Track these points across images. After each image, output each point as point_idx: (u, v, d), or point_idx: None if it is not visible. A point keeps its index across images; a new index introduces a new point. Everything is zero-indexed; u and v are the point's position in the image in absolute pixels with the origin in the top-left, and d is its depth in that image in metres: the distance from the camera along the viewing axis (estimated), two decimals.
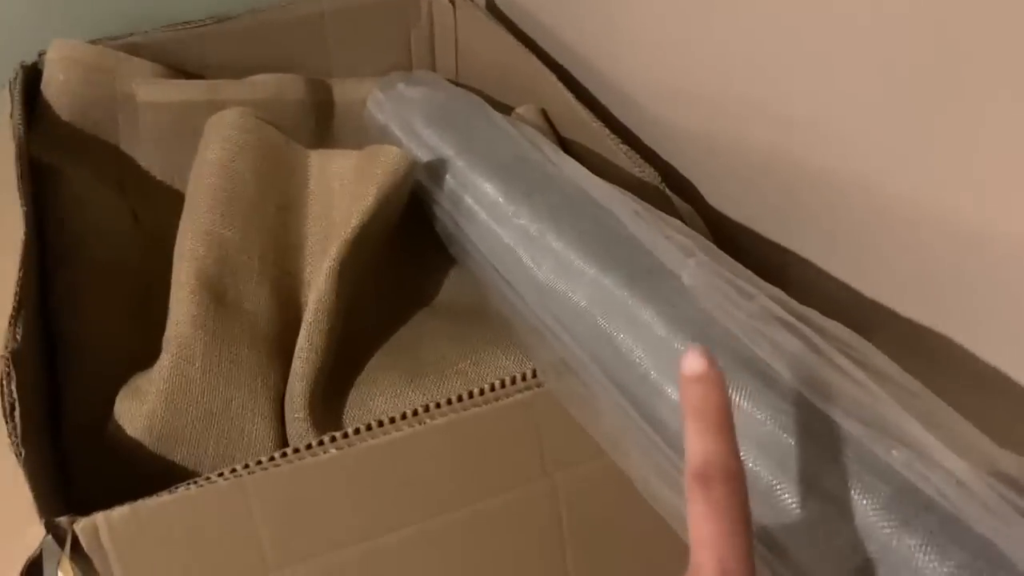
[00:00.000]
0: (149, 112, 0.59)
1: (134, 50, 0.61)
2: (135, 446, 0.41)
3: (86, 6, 0.65)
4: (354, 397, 0.44)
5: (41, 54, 0.59)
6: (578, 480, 0.40)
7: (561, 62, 0.65)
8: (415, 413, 0.37)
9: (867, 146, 0.41)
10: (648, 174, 0.51)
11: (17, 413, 0.36)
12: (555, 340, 0.36)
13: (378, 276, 0.50)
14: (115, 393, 0.43)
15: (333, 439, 0.36)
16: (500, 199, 0.44)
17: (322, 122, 0.65)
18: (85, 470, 0.42)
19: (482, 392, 0.38)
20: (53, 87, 0.57)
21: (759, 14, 0.46)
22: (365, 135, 0.62)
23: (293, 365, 0.43)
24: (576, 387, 0.35)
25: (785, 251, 0.49)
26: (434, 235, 0.52)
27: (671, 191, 0.50)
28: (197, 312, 0.43)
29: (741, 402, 0.27)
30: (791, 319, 0.28)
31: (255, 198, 0.47)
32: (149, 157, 0.60)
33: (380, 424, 0.37)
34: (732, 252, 0.50)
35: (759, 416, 0.26)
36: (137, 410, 0.41)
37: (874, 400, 0.25)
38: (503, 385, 0.38)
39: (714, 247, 0.35)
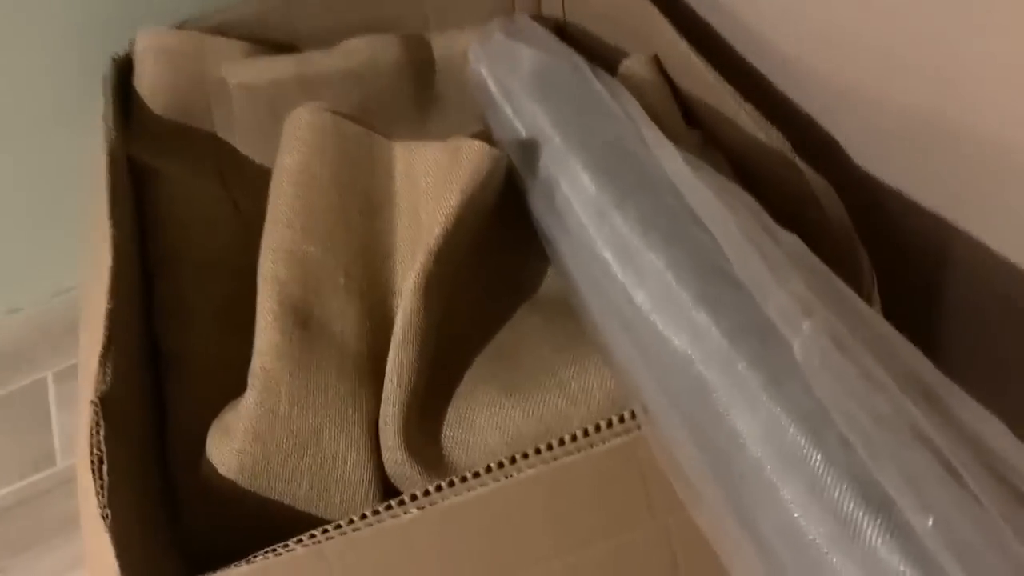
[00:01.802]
0: (241, 95, 0.57)
1: (222, 29, 0.58)
2: (229, 484, 0.40)
3: None
4: (451, 415, 0.42)
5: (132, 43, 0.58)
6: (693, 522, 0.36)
7: None
8: (500, 465, 0.34)
9: None
10: (774, 138, 0.44)
11: (105, 468, 0.36)
12: (640, 378, 0.32)
13: (472, 271, 0.46)
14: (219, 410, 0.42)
15: (414, 497, 0.34)
16: (594, 197, 0.39)
17: (423, 82, 0.61)
18: (190, 496, 0.42)
19: (574, 438, 0.34)
20: (145, 80, 0.56)
21: None
22: (469, 90, 0.57)
23: (384, 389, 0.41)
24: (659, 437, 0.31)
25: (947, 225, 0.41)
26: (531, 220, 0.47)
27: (809, 145, 0.43)
28: (281, 341, 0.41)
29: (859, 548, 0.21)
30: (928, 424, 0.22)
31: (337, 206, 0.44)
32: (246, 142, 0.58)
33: (463, 479, 0.34)
34: (880, 220, 0.42)
35: (886, 564, 0.21)
36: (227, 448, 0.40)
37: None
38: (598, 429, 0.34)
39: (842, 288, 0.29)
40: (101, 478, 0.35)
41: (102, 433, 0.37)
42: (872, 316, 0.27)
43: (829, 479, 0.23)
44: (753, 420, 0.25)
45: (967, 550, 0.20)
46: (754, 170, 0.46)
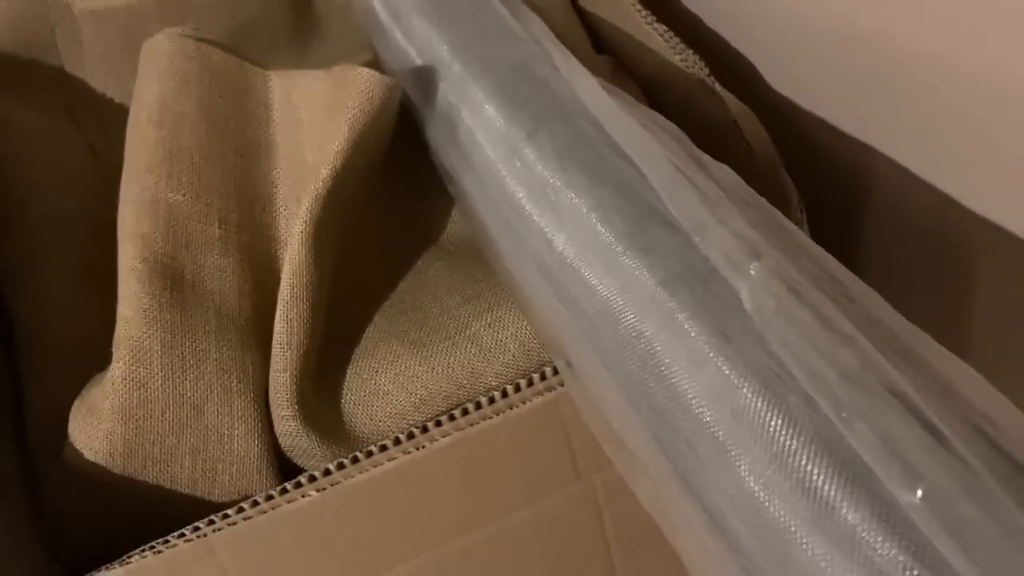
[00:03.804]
0: (91, 23, 0.50)
1: None
2: (97, 469, 0.35)
3: None
4: (352, 377, 0.38)
5: None
6: (620, 477, 0.33)
7: None
8: (411, 435, 0.30)
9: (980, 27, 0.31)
10: (691, 63, 0.40)
11: None
12: (564, 331, 0.28)
13: (366, 214, 0.42)
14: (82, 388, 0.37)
15: (313, 478, 0.30)
16: (502, 128, 0.35)
17: (301, 6, 0.55)
18: (53, 486, 0.37)
19: (492, 400, 0.31)
20: None
21: None
22: (354, 14, 0.52)
23: (273, 353, 0.36)
24: (587, 395, 0.28)
25: (870, 151, 0.39)
26: (429, 155, 0.43)
27: (720, 68, 0.40)
28: (149, 305, 0.35)
29: (834, 526, 0.19)
30: (902, 377, 0.19)
31: (207, 146, 0.38)
32: (100, 77, 0.51)
33: (369, 454, 0.30)
34: (799, 149, 0.40)
35: (867, 546, 0.18)
36: (93, 429, 0.35)
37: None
38: (518, 389, 0.31)
39: (787, 225, 0.26)
40: None
41: None
42: (824, 257, 0.24)
43: (794, 446, 0.20)
44: (699, 378, 0.22)
45: (963, 525, 0.17)
46: (669, 98, 0.42)
